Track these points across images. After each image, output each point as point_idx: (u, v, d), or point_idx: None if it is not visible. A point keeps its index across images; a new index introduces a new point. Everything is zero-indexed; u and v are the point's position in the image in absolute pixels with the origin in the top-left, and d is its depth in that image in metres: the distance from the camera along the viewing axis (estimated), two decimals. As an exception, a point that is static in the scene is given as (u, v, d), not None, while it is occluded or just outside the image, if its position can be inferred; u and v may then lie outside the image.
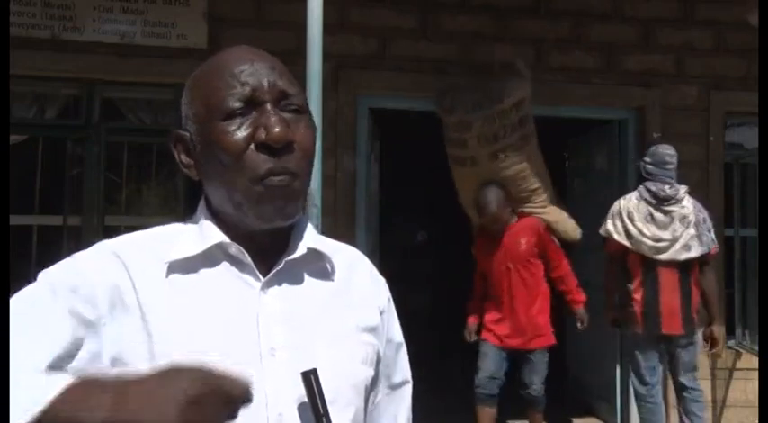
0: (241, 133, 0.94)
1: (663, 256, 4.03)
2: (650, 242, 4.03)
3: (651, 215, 4.06)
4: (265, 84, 0.95)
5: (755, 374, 4.72)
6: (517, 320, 4.27)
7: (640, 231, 4.03)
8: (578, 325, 4.42)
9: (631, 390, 5.15)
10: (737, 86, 5.22)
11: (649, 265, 4.06)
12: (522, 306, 4.27)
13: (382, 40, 4.85)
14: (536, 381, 4.31)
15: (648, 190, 4.08)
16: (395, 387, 1.13)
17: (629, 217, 4.07)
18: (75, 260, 0.95)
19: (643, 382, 4.15)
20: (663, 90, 5.20)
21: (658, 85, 5.20)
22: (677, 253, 4.03)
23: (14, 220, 3.64)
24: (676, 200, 4.08)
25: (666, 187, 4.07)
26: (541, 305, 4.32)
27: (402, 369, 1.14)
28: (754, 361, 4.94)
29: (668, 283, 4.05)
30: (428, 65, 4.84)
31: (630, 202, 4.11)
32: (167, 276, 0.95)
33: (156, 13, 4.54)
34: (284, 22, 4.55)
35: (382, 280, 1.14)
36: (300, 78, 2.92)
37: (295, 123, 0.96)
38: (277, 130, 0.92)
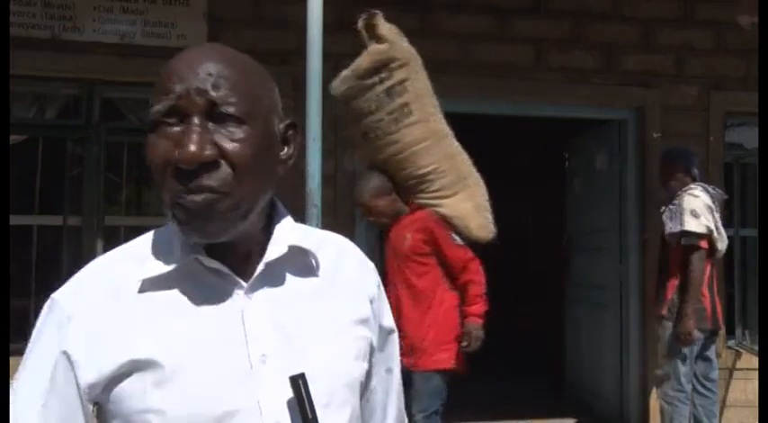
0: (163, 149, 0.88)
1: (721, 255, 4.22)
2: (725, 239, 4.17)
3: (716, 214, 4.15)
4: (193, 92, 0.88)
5: (755, 374, 4.71)
6: (405, 333, 3.39)
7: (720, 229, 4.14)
8: (462, 343, 3.49)
9: (630, 388, 5.15)
10: (737, 86, 5.22)
11: (712, 261, 4.16)
12: (412, 314, 3.49)
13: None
14: (415, 410, 3.42)
15: (708, 191, 4.12)
16: (384, 375, 1.08)
17: (714, 214, 4.09)
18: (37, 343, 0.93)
19: (689, 381, 4.10)
20: (663, 90, 5.20)
21: (658, 85, 5.20)
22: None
23: (14, 220, 3.63)
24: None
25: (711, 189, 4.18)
26: (435, 318, 3.49)
27: (390, 356, 1.09)
28: (754, 361, 4.94)
29: (717, 279, 4.23)
30: (428, 65, 4.82)
31: (707, 200, 4.08)
32: (142, 293, 0.92)
33: (156, 13, 4.54)
34: (284, 22, 4.55)
35: (371, 266, 1.09)
36: (300, 78, 2.94)
37: (226, 136, 0.88)
38: (191, 149, 0.85)
